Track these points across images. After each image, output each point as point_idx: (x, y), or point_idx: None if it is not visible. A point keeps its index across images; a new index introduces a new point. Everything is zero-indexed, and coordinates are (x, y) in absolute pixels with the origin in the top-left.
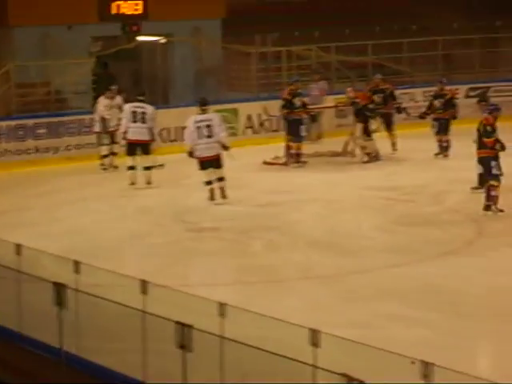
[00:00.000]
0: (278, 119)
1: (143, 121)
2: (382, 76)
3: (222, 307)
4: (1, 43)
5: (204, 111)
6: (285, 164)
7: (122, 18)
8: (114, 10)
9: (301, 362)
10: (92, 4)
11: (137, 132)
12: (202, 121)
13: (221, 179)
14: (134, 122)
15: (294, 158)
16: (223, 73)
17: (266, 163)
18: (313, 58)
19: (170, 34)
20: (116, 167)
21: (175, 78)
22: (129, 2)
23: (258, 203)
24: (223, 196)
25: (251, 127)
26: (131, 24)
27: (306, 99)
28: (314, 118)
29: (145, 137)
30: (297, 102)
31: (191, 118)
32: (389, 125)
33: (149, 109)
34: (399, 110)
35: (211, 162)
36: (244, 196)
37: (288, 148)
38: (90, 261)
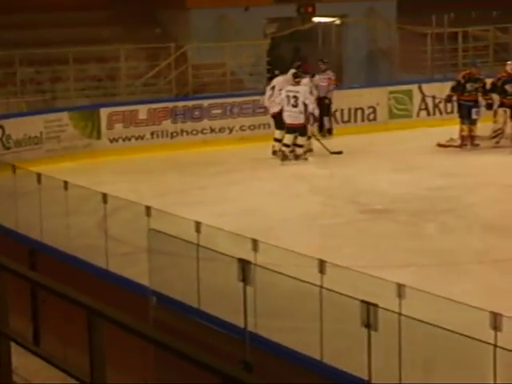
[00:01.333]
0: (441, 101)
1: (295, 104)
2: None
3: (400, 288)
4: (178, 25)
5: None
6: (460, 146)
7: None
8: None
9: (484, 342)
10: None
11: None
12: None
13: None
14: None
15: (467, 141)
16: (397, 54)
17: (440, 145)
18: (490, 38)
19: (344, 15)
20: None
21: (349, 60)
22: None
23: (433, 186)
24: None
25: (425, 109)
26: (306, 5)
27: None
28: (489, 106)
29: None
30: (469, 87)
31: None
32: None
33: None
34: None
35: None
36: (418, 178)
37: (460, 130)
38: (263, 239)
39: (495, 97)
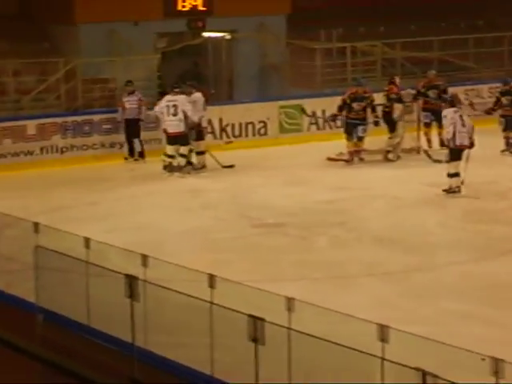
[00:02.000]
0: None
1: (175, 113)
2: (436, 72)
3: (290, 302)
4: (67, 40)
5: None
6: (349, 160)
7: (187, 14)
8: (179, 6)
9: (372, 355)
10: (157, 0)
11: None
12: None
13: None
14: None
15: (353, 155)
16: (288, 69)
17: (330, 159)
18: (378, 54)
19: (234, 30)
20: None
21: (240, 74)
22: None
23: (323, 199)
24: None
25: (316, 123)
26: (196, 20)
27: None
28: (376, 123)
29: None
30: (356, 106)
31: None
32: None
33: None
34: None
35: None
36: (309, 192)
37: (347, 147)
38: (154, 255)
39: (398, 106)
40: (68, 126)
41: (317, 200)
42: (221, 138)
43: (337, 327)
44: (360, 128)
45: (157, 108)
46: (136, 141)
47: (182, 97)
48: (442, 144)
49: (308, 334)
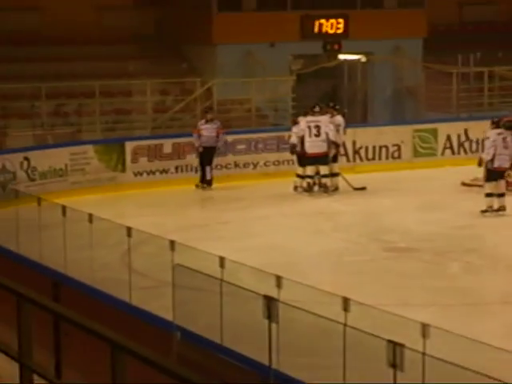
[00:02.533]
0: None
1: (318, 134)
2: None
3: (425, 327)
4: (204, 60)
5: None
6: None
7: (324, 36)
8: (315, 29)
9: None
10: (294, 22)
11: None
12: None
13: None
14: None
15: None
16: (423, 92)
17: (464, 184)
18: None
19: (370, 52)
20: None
21: (374, 97)
22: (330, 20)
23: (457, 225)
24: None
25: (450, 147)
26: (332, 42)
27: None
28: None
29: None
30: None
31: None
32: None
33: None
34: None
35: None
36: (442, 217)
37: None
38: (286, 276)
39: None
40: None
41: (451, 225)
42: (354, 160)
43: (471, 354)
44: None
45: (294, 129)
46: (208, 168)
47: (325, 118)
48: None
49: (444, 361)
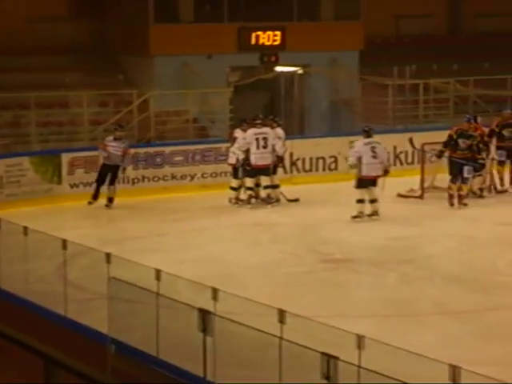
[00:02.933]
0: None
1: (265, 145)
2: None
3: (360, 339)
4: (141, 72)
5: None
6: (420, 197)
7: (261, 48)
8: (252, 41)
9: None
10: (231, 34)
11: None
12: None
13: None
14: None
15: (453, 199)
16: (359, 104)
17: (400, 196)
18: (451, 91)
19: (307, 64)
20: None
21: (311, 109)
22: (267, 32)
23: (392, 235)
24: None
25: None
26: (269, 54)
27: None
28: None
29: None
30: (461, 143)
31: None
32: None
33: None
34: None
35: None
36: (379, 228)
37: (449, 188)
38: (223, 288)
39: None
40: (140, 158)
41: (387, 236)
42: (291, 171)
43: (407, 366)
44: (466, 169)
45: (236, 144)
46: (111, 188)
47: (270, 130)
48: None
49: (379, 373)
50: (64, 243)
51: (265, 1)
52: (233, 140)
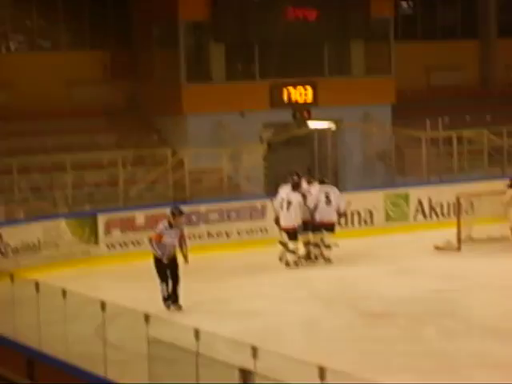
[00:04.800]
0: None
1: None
2: None
3: None
4: (175, 131)
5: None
6: (457, 249)
7: (293, 104)
8: (284, 97)
9: None
10: (264, 91)
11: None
12: None
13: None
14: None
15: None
16: (393, 158)
17: (437, 248)
18: (484, 142)
19: (339, 119)
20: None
21: (345, 164)
22: (299, 88)
23: (431, 288)
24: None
25: (422, 212)
26: (302, 110)
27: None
28: None
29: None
30: None
31: None
32: None
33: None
34: None
35: None
36: (417, 281)
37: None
38: (262, 345)
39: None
40: None
41: (425, 289)
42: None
43: None
44: None
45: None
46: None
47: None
48: None
49: None
50: (102, 304)
51: (296, 56)
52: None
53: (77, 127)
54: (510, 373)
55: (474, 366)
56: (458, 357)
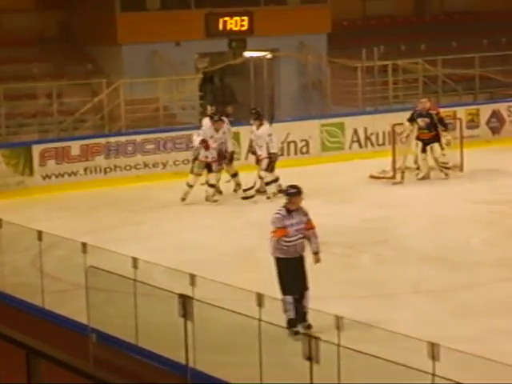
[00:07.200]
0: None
1: None
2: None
3: (339, 320)
4: (110, 61)
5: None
6: (392, 178)
7: (229, 33)
8: (220, 27)
9: (423, 371)
10: (199, 21)
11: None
12: None
13: None
14: None
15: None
16: (329, 87)
17: (372, 177)
18: (419, 71)
19: (275, 49)
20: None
21: (281, 93)
22: (235, 18)
23: (366, 217)
24: None
25: (357, 141)
26: (237, 40)
27: None
28: None
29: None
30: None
31: None
32: None
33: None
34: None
35: None
36: (351, 210)
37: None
38: (200, 274)
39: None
40: (111, 147)
41: (360, 218)
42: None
43: (384, 345)
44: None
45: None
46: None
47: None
48: None
49: (359, 351)
50: (39, 234)
51: None
52: None
53: (9, 56)
54: (445, 297)
55: (408, 292)
56: (393, 283)
